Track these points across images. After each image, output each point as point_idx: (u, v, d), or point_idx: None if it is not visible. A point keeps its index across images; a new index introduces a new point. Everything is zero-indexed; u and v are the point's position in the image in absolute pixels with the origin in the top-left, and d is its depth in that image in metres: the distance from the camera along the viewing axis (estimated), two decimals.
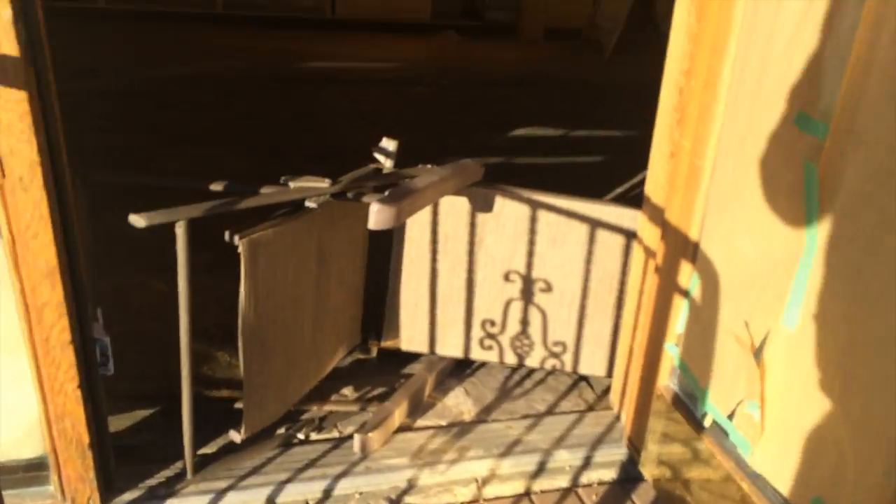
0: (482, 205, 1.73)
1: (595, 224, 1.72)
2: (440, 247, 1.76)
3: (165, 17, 5.41)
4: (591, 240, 1.73)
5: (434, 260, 1.77)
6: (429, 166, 1.67)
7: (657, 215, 1.52)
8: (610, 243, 1.73)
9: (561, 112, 4.46)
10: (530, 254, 1.75)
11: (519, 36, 6.28)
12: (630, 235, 1.71)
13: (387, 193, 1.44)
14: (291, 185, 1.45)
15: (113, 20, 5.31)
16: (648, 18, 5.73)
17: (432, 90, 4.66)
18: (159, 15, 5.40)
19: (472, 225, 1.74)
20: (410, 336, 1.84)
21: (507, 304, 1.78)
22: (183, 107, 3.81)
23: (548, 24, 6.27)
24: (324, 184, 1.46)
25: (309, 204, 1.42)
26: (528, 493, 1.54)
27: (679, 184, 1.45)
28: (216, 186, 1.45)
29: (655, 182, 1.53)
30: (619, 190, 3.06)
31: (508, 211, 1.73)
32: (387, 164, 1.70)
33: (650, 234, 1.57)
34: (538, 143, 3.86)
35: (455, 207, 1.73)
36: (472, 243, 1.76)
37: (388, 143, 1.70)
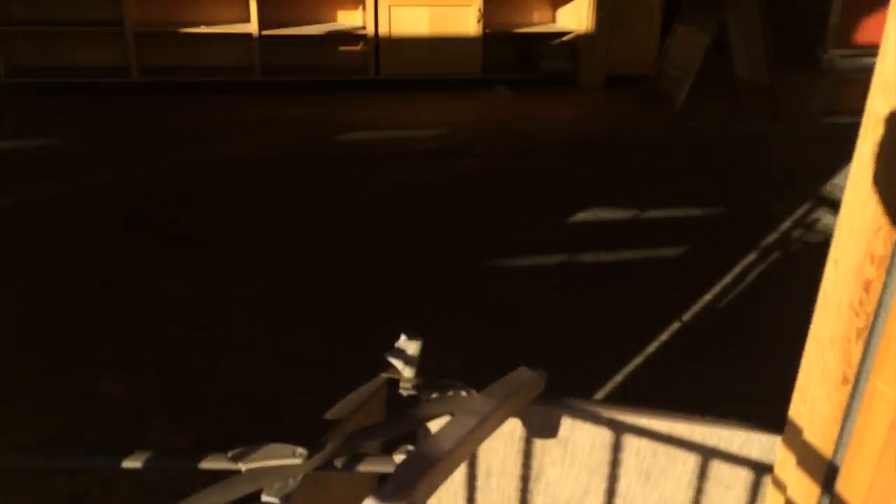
0: (542, 427, 1.22)
1: (708, 454, 1.19)
2: (480, 484, 1.26)
3: (200, 89, 5.10)
4: (702, 475, 1.20)
5: None
6: (463, 393, 1.17)
7: (809, 457, 0.99)
8: (729, 480, 1.20)
9: (628, 183, 3.93)
10: (611, 493, 1.23)
11: (578, 86, 5.78)
12: (760, 470, 1.17)
13: (394, 472, 0.94)
14: (243, 466, 0.96)
15: (145, 93, 5.03)
16: (723, 64, 5.16)
17: (482, 162, 4.18)
18: (194, 87, 5.10)
19: (528, 455, 1.24)
20: None
21: None
22: (203, 203, 3.43)
23: (609, 71, 5.77)
24: (295, 459, 0.97)
25: (267, 499, 0.93)
26: None
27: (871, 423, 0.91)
28: (133, 463, 0.97)
29: (813, 408, 1.00)
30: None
31: (580, 435, 1.21)
32: (405, 372, 1.21)
33: (794, 474, 1.03)
34: (605, 229, 3.33)
35: (503, 432, 1.23)
36: (526, 479, 1.25)
37: (408, 345, 1.21)
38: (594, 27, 5.67)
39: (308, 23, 5.42)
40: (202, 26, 5.12)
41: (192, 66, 5.26)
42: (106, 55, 5.11)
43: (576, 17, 5.75)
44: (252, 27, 5.11)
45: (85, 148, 4.02)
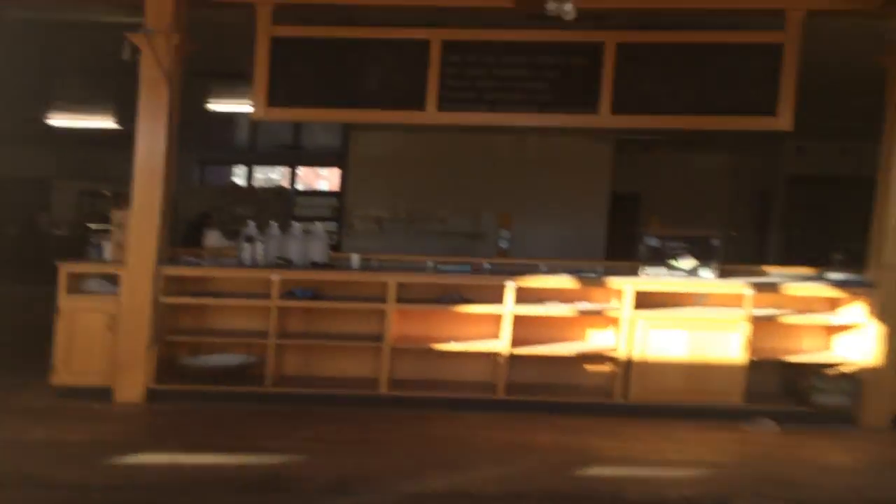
0: None
1: None
2: None
3: (443, 404, 5.10)
4: None
5: None
6: None
7: None
8: None
9: None
10: None
11: (857, 425, 4.99)
12: None
13: None
14: None
15: (391, 406, 5.12)
16: None
17: None
18: (437, 402, 5.12)
19: None
20: None
21: None
22: None
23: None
24: None
25: None
26: None
27: None
28: None
29: None
30: None
31: None
32: None
33: None
34: None
35: None
36: None
37: None
38: (880, 359, 4.99)
39: (556, 341, 5.36)
40: (452, 342, 5.25)
41: (438, 381, 5.35)
42: (361, 367, 5.38)
43: (856, 347, 5.13)
44: (502, 345, 5.14)
45: (320, 469, 4.02)
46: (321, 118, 5.62)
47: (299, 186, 17.14)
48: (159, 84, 5.07)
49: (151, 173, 5.14)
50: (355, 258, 5.38)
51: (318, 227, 5.49)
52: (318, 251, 5.35)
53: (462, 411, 5.10)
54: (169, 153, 5.18)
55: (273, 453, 4.25)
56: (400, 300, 5.20)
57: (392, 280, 5.12)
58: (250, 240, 5.24)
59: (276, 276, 5.13)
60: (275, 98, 5.40)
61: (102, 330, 5.13)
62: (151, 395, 5.17)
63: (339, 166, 13.40)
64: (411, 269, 5.39)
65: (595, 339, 5.43)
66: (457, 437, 4.68)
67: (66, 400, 5.16)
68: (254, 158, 16.48)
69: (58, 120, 10.84)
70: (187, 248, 5.73)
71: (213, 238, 5.66)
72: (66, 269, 5.18)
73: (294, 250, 5.35)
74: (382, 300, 5.13)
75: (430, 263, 5.39)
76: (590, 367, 5.38)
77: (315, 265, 5.31)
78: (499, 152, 9.97)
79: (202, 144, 15.08)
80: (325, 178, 18.39)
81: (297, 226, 5.47)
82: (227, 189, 15.06)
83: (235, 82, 7.36)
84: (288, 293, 5.23)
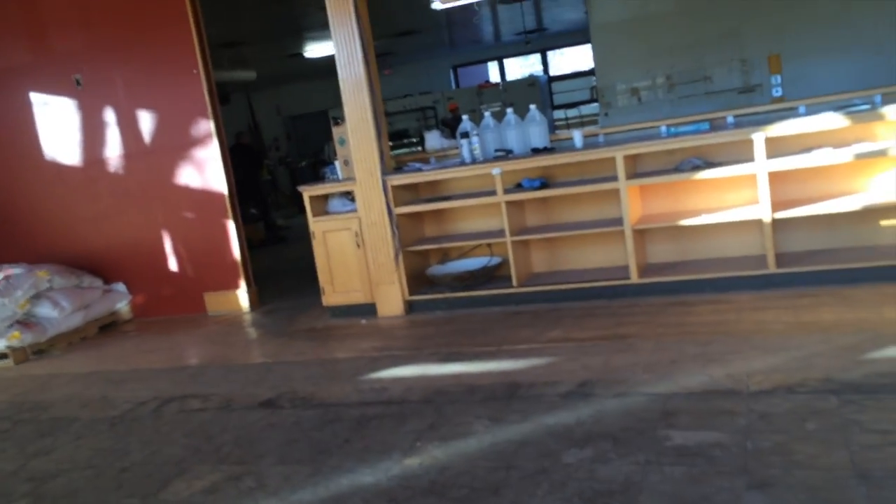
0: None
1: None
2: None
3: (703, 288, 4.52)
4: None
5: None
6: None
7: None
8: None
9: None
10: None
11: None
12: None
13: None
14: None
15: (643, 295, 4.67)
16: None
17: None
18: (696, 285, 4.55)
19: None
20: None
21: None
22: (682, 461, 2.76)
23: None
24: None
25: None
26: None
27: None
28: None
29: None
30: None
31: None
32: None
33: None
34: None
35: None
36: None
37: None
38: None
39: (832, 197, 4.44)
40: (702, 215, 4.60)
41: (694, 261, 4.75)
42: (608, 256, 4.97)
43: None
44: (763, 210, 4.37)
45: (564, 372, 3.76)
46: None
47: (555, 73, 16.56)
48: None
49: (355, 84, 5.07)
50: (577, 135, 4.87)
51: (534, 110, 5.06)
52: (538, 136, 4.95)
53: (726, 292, 4.48)
54: (367, 61, 5.06)
55: (519, 357, 4.08)
56: (635, 175, 4.64)
57: (619, 154, 4.56)
58: (466, 136, 4.99)
59: (495, 170, 4.85)
60: None
61: (352, 248, 5.30)
62: (409, 307, 5.29)
63: (589, 41, 12.64)
64: (643, 139, 4.75)
65: (883, 188, 4.40)
66: (719, 322, 4.11)
67: (338, 319, 5.49)
68: (502, 52, 16.20)
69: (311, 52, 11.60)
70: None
71: (433, 139, 5.52)
72: (306, 192, 5.41)
73: (513, 139, 5.00)
74: (614, 178, 4.61)
75: (662, 129, 4.71)
76: (883, 223, 4.39)
77: (535, 151, 4.93)
78: None
79: (451, 49, 15.18)
80: (580, 59, 17.51)
81: (510, 113, 5.10)
82: (480, 87, 15.03)
83: None
84: (516, 186, 4.94)
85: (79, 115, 6.39)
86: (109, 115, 6.30)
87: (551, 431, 3.10)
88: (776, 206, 4.36)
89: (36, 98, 6.50)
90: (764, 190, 4.33)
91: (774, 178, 4.34)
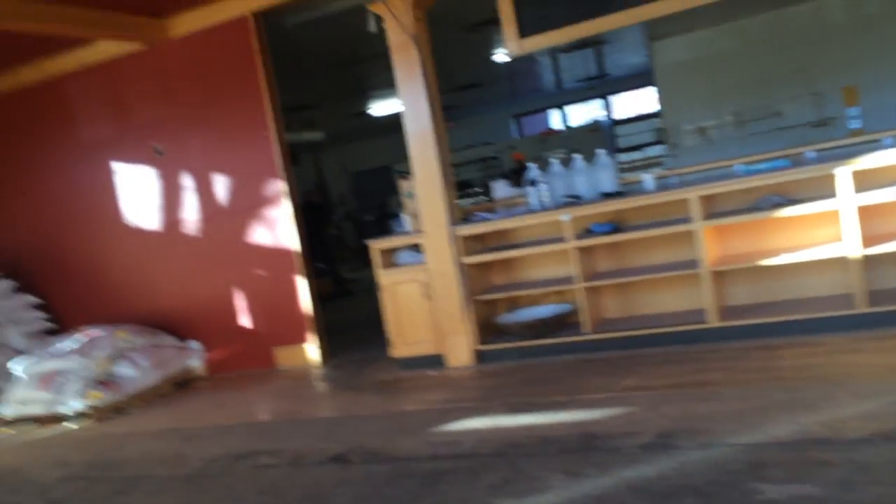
0: None
1: None
2: None
3: (789, 331, 4.30)
4: None
5: None
6: None
7: None
8: None
9: None
10: None
11: None
12: None
13: None
14: None
15: (725, 340, 4.46)
16: None
17: None
18: (782, 328, 4.33)
19: None
20: None
21: None
22: None
23: None
24: None
25: None
26: None
27: None
28: None
29: None
30: None
31: None
32: None
33: None
34: None
35: None
36: None
37: None
38: None
39: None
40: (783, 254, 4.39)
41: (777, 302, 4.53)
42: (684, 300, 4.80)
43: None
44: (850, 247, 4.15)
45: (643, 422, 3.58)
46: (578, 34, 5.05)
47: (617, 116, 16.46)
48: (408, 47, 5.01)
49: (423, 138, 5.11)
50: (648, 178, 4.76)
51: (602, 154, 4.98)
52: (607, 180, 4.86)
53: (813, 334, 4.25)
54: (434, 113, 5.10)
55: (595, 407, 3.93)
56: (711, 216, 4.49)
57: (693, 194, 4.43)
58: (534, 183, 4.94)
59: (564, 216, 4.77)
60: (525, 28, 5.00)
61: (421, 299, 5.27)
62: (479, 357, 5.20)
63: (652, 84, 12.57)
64: (715, 179, 4.60)
65: None
66: (808, 366, 3.88)
67: (407, 371, 5.44)
68: (563, 99, 16.23)
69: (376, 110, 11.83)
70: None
71: (500, 188, 5.50)
72: (375, 246, 5.43)
73: (581, 184, 4.93)
74: (689, 220, 4.47)
75: (737, 167, 4.56)
76: None
77: (606, 195, 4.83)
78: (830, 16, 8.31)
79: (512, 99, 15.30)
80: (643, 102, 17.40)
81: (578, 158, 5.03)
82: (543, 135, 15.04)
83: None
84: (586, 231, 4.85)
85: (157, 181, 6.62)
86: (186, 180, 6.51)
87: (631, 486, 2.94)
88: (865, 242, 4.14)
89: (117, 167, 6.78)
90: (853, 225, 4.12)
91: (859, 213, 4.13)
